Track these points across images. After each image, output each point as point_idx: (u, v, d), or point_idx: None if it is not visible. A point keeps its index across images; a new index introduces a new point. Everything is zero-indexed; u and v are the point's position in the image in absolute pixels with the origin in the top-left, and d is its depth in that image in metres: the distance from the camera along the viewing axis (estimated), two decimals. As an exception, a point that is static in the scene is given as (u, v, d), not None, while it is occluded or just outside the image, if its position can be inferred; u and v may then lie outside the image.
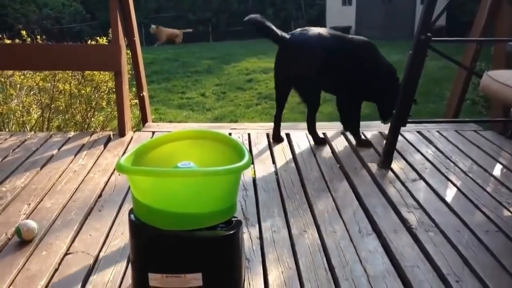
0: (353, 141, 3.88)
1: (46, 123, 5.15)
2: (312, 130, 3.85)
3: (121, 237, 2.46)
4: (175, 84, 10.64)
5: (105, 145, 3.89)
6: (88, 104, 5.26)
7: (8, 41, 5.18)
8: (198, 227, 1.80)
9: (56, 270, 2.20)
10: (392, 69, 3.81)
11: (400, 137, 3.50)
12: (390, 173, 3.29)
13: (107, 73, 5.11)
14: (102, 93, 5.28)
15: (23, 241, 2.39)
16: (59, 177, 3.24)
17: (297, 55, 3.61)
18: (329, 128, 4.23)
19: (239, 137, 4.03)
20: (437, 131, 4.16)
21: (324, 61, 3.59)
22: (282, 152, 3.71)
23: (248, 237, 2.47)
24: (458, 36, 11.37)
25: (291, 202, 2.87)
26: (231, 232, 1.85)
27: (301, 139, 3.98)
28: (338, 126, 4.28)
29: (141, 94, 4.51)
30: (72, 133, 4.24)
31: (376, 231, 2.54)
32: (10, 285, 2.07)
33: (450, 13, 14.99)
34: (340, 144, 3.88)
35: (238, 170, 1.89)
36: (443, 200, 2.89)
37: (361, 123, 3.89)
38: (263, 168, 3.39)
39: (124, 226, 2.52)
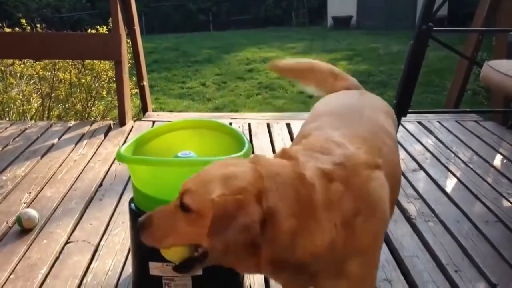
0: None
1: (46, 112, 5.14)
2: None
3: (122, 226, 2.47)
4: (176, 74, 10.61)
5: (106, 135, 3.89)
6: (88, 93, 5.25)
7: (7, 30, 5.16)
8: (198, 217, 1.80)
9: (56, 258, 2.21)
10: None
11: (400, 128, 3.49)
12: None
13: (107, 62, 5.10)
14: (103, 82, 5.27)
15: (23, 229, 2.40)
16: (60, 166, 3.24)
17: None
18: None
19: (239, 127, 4.03)
20: (438, 122, 4.15)
21: None
22: (282, 141, 3.71)
23: (248, 226, 2.47)
24: (460, 26, 11.35)
25: (291, 192, 2.87)
26: (231, 221, 1.86)
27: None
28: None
29: (142, 84, 4.50)
30: (72, 122, 4.24)
31: (376, 221, 2.54)
32: (11, 274, 2.09)
33: (452, 3, 14.90)
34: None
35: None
36: (443, 190, 2.89)
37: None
38: (263, 158, 3.38)
39: (124, 215, 2.53)
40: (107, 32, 4.90)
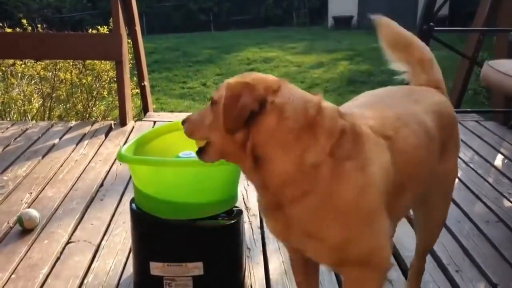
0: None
1: (47, 112, 5.15)
2: None
3: (123, 226, 2.47)
4: (176, 74, 10.62)
5: (106, 135, 3.89)
6: (89, 94, 5.26)
7: (8, 30, 5.17)
8: (199, 217, 1.80)
9: (58, 258, 2.21)
10: None
11: (401, 127, 3.49)
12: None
13: (108, 62, 5.10)
14: (103, 83, 5.27)
15: (25, 230, 2.41)
16: (61, 166, 3.24)
17: None
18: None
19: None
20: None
21: None
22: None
23: (249, 226, 2.47)
24: (461, 26, 11.33)
25: (292, 192, 2.87)
26: (232, 221, 1.86)
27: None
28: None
29: (142, 84, 4.50)
30: (73, 123, 4.24)
31: (377, 221, 2.54)
32: (12, 274, 2.09)
33: (453, 3, 14.90)
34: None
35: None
36: (444, 190, 2.88)
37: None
38: (264, 158, 3.38)
39: (125, 215, 2.53)
40: (108, 32, 4.91)
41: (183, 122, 1.44)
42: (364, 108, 1.49)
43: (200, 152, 1.40)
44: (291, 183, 1.28)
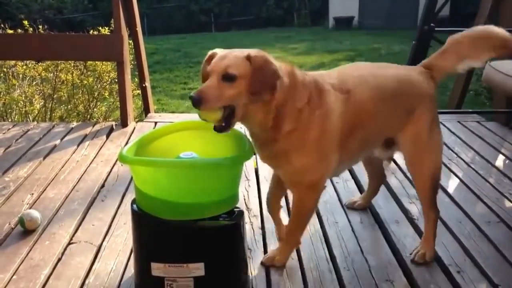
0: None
1: (49, 113, 5.15)
2: None
3: (124, 227, 2.47)
4: (178, 75, 10.62)
5: (108, 136, 3.89)
6: (91, 95, 5.26)
7: (10, 31, 5.17)
8: (200, 217, 1.80)
9: (59, 259, 2.21)
10: None
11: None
12: (392, 164, 3.28)
13: (109, 63, 5.11)
14: (105, 84, 5.28)
15: (26, 231, 2.41)
16: (62, 167, 3.25)
17: None
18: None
19: (240, 128, 4.02)
20: (440, 122, 4.14)
21: None
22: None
23: (250, 227, 2.47)
24: (462, 26, 11.31)
25: (293, 192, 2.87)
26: (233, 222, 1.86)
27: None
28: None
29: (143, 85, 4.51)
30: (74, 124, 4.25)
31: (378, 221, 2.55)
32: (13, 274, 2.09)
33: (454, 4, 14.88)
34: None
35: (240, 161, 1.90)
36: (445, 191, 2.88)
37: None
38: (265, 158, 3.39)
39: (127, 216, 2.53)
40: (109, 33, 4.91)
41: (196, 98, 1.76)
42: (336, 72, 2.07)
43: (222, 125, 1.79)
44: (289, 123, 1.85)
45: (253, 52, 1.78)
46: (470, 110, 4.46)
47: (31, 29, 5.12)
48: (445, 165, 3.25)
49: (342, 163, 2.07)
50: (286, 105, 1.82)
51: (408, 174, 3.08)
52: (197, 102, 1.75)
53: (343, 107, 1.92)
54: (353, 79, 2.01)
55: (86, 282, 2.05)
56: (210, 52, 1.89)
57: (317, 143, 1.89)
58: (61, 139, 3.79)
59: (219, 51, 1.85)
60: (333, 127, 1.91)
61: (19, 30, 5.18)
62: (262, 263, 2.14)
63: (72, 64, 5.18)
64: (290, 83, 1.83)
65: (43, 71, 5.11)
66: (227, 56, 1.79)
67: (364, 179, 3.04)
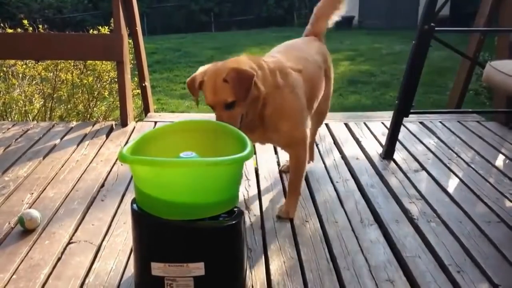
0: (356, 132, 3.88)
1: (49, 112, 5.15)
2: None
3: (124, 226, 2.47)
4: (177, 74, 10.61)
5: (108, 135, 3.89)
6: (90, 94, 5.26)
7: (10, 30, 5.17)
8: (200, 217, 1.80)
9: (59, 259, 2.21)
10: None
11: (402, 128, 3.49)
12: (392, 163, 3.29)
13: (109, 63, 5.11)
14: (104, 83, 5.27)
15: (26, 230, 2.41)
16: (62, 166, 3.25)
17: None
18: (332, 119, 4.22)
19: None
20: (440, 122, 4.15)
21: None
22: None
23: (250, 227, 2.47)
24: (462, 26, 11.32)
25: (293, 192, 2.88)
26: (233, 222, 1.86)
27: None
28: (340, 116, 4.27)
29: (143, 84, 4.50)
30: (74, 123, 4.25)
31: (378, 221, 2.55)
32: (13, 274, 2.09)
33: (454, 3, 14.88)
34: (342, 134, 3.88)
35: (240, 161, 1.90)
36: (445, 190, 2.89)
37: (364, 113, 3.88)
38: (265, 158, 3.39)
39: (126, 215, 2.53)
40: (109, 32, 4.91)
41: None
42: (281, 54, 2.56)
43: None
44: (270, 105, 2.30)
45: (223, 69, 2.18)
46: (470, 110, 4.45)
47: (31, 28, 5.12)
48: (445, 165, 3.25)
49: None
50: (267, 92, 2.26)
51: (408, 174, 3.09)
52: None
53: (301, 81, 2.46)
54: (299, 60, 2.55)
55: (86, 281, 2.05)
56: (191, 79, 2.32)
57: (294, 110, 2.40)
58: (61, 139, 3.79)
59: (199, 76, 2.27)
60: (301, 95, 2.44)
61: (19, 30, 5.18)
62: (278, 217, 2.56)
63: (72, 64, 5.17)
64: (263, 74, 2.26)
65: (43, 71, 5.11)
66: (215, 87, 2.16)
67: (364, 178, 3.05)
